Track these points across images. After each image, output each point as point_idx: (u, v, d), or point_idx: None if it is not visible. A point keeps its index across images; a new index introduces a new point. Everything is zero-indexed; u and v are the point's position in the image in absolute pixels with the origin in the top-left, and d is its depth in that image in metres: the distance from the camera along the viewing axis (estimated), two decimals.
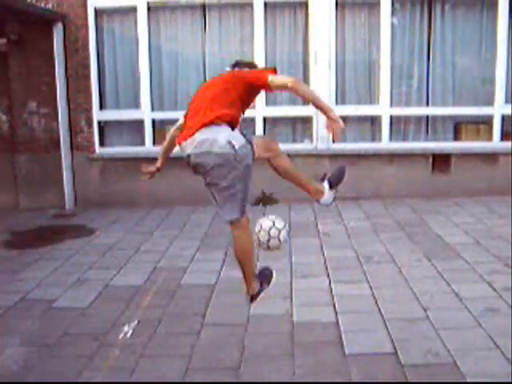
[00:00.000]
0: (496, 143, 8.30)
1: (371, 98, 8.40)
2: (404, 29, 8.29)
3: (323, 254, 5.75)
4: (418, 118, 8.47)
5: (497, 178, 8.09)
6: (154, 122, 8.44)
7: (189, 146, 3.39)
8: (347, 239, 6.32)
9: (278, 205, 8.13)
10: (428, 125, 8.49)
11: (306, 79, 8.12)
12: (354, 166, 8.22)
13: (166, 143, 4.18)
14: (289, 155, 3.82)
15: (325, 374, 3.42)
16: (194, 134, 3.36)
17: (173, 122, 9.29)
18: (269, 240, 3.95)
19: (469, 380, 3.26)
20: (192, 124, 3.43)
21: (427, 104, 8.42)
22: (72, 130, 8.39)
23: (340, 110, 8.40)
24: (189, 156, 3.42)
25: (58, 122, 8.27)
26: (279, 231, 3.96)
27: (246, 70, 3.74)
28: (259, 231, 3.98)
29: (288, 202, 7.93)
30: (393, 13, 8.16)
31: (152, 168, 4.27)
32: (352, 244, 6.11)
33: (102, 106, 8.48)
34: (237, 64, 3.88)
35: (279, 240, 3.96)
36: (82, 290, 5.00)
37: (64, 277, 5.36)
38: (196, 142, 3.35)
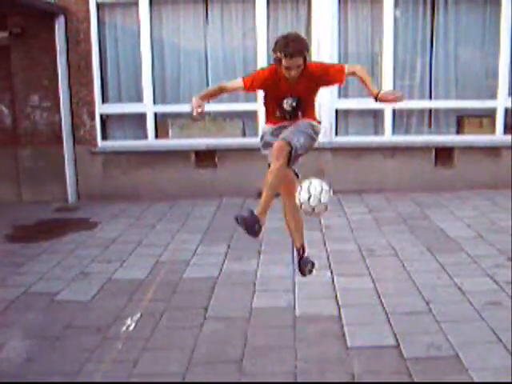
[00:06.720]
0: (499, 136, 8.27)
1: None
2: (407, 22, 8.24)
3: (326, 248, 5.75)
4: (421, 112, 8.44)
5: (500, 172, 8.06)
6: (156, 115, 8.42)
7: None
8: (350, 232, 6.31)
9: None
10: (431, 118, 8.47)
11: None
12: (357, 160, 8.22)
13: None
14: None
15: (327, 367, 3.43)
16: None
17: (175, 115, 9.26)
18: (309, 198, 3.43)
19: (471, 373, 3.26)
20: None
21: (430, 97, 8.39)
22: (74, 124, 8.37)
23: (342, 104, 8.49)
24: None
25: (60, 116, 8.26)
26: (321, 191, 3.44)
27: None
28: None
29: None
30: (396, 5, 8.12)
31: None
32: (354, 237, 6.11)
33: (104, 100, 8.46)
34: None
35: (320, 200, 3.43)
36: (84, 284, 5.01)
37: (67, 270, 5.37)
38: None
